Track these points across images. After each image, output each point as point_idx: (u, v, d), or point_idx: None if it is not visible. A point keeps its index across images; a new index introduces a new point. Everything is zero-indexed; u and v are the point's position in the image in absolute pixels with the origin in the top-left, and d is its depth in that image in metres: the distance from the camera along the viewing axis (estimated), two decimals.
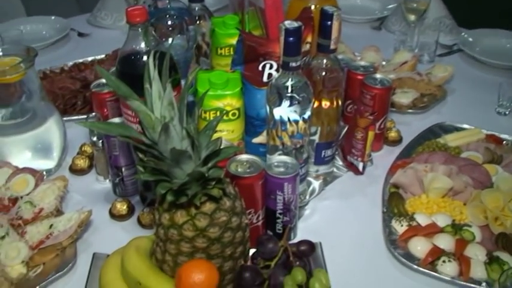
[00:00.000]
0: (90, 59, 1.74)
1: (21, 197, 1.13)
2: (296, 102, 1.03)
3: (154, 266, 0.93)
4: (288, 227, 1.00)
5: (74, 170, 1.29)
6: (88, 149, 1.32)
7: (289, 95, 1.03)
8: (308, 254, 0.95)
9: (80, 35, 2.04)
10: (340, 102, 1.18)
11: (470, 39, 1.91)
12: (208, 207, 0.85)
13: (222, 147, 0.85)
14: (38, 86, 1.25)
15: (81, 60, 1.73)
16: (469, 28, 1.97)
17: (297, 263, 0.92)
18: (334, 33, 1.08)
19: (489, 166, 1.24)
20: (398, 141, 1.40)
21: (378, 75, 1.29)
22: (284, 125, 1.06)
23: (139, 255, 0.93)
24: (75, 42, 2.00)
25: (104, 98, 1.22)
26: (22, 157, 1.24)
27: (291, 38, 0.98)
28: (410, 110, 1.52)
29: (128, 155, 1.15)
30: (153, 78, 0.79)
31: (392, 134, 1.40)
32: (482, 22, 1.98)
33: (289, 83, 1.03)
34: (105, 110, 1.23)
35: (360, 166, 1.27)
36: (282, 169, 1.01)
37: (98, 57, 1.76)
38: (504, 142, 1.36)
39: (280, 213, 1.03)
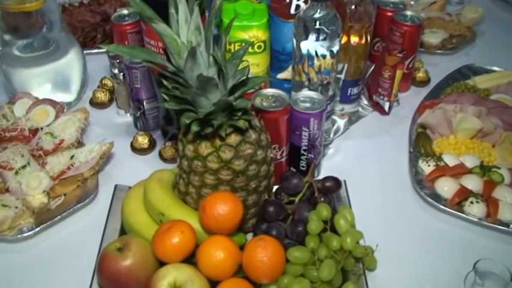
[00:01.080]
0: None
1: (42, 128, 1.11)
2: (324, 35, 0.99)
3: (177, 197, 0.91)
4: (314, 163, 0.98)
5: (95, 103, 1.27)
6: (108, 82, 1.30)
7: (317, 27, 0.99)
8: (333, 191, 0.93)
9: None
10: (369, 38, 1.13)
11: None
12: (234, 139, 0.83)
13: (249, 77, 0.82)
14: (59, 17, 1.22)
15: None
16: None
17: (322, 199, 0.90)
18: None
19: None
20: (426, 82, 1.35)
21: (408, 12, 1.24)
22: (311, 60, 1.02)
23: (162, 187, 0.91)
24: None
25: (124, 29, 1.18)
26: (42, 90, 1.22)
27: None
28: (438, 51, 1.47)
29: (149, 87, 1.12)
30: (179, 1, 0.75)
31: (420, 75, 1.35)
32: None
33: (317, 15, 0.99)
34: (126, 43, 1.19)
35: (386, 106, 1.24)
36: (308, 104, 0.98)
37: None
38: None
39: (304, 150, 1.00)
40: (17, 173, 1.00)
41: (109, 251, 0.82)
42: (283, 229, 0.87)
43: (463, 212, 0.97)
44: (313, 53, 1.01)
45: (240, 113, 0.82)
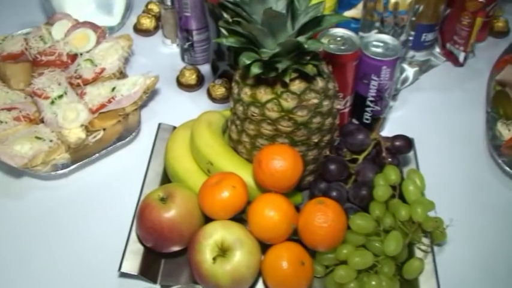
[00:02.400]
0: None
1: (81, 54, 1.02)
2: None
3: (227, 145, 0.82)
4: (382, 118, 0.87)
5: (139, 30, 1.17)
6: (155, 7, 1.19)
7: None
8: (403, 151, 0.82)
9: None
10: None
11: None
12: (298, 86, 0.72)
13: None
14: None
15: None
16: None
17: (389, 160, 0.80)
18: None
19: None
20: (505, 32, 1.21)
21: None
22: None
23: (211, 132, 0.82)
24: None
25: None
26: (82, 11, 1.12)
27: None
28: None
29: (200, 17, 1.01)
30: None
31: (500, 24, 1.21)
32: None
33: None
34: None
35: (461, 56, 1.10)
36: (380, 50, 0.86)
37: None
38: None
39: (371, 101, 0.89)
40: (52, 102, 0.91)
41: (151, 200, 0.74)
42: (344, 191, 0.77)
43: None
44: None
45: (308, 57, 0.71)
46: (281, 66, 0.69)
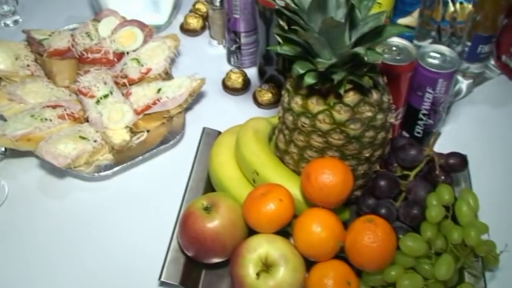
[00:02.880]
0: None
1: (127, 53, 1.00)
2: None
3: (273, 154, 0.80)
4: (437, 133, 0.83)
5: (185, 30, 1.15)
6: (202, 7, 1.17)
7: None
8: (458, 170, 0.78)
9: None
10: None
11: None
12: (352, 97, 0.69)
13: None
14: None
15: None
16: None
17: (443, 178, 0.76)
18: None
19: None
20: None
21: None
22: (445, 6, 0.85)
23: (257, 140, 0.80)
24: None
25: None
26: (129, 8, 1.10)
27: None
28: None
29: (249, 19, 0.99)
30: None
31: None
32: None
33: None
34: None
35: None
36: (437, 61, 0.83)
37: None
38: None
39: (424, 114, 0.86)
40: (98, 102, 0.90)
41: (195, 209, 0.72)
42: (394, 209, 0.74)
43: None
44: None
45: (365, 68, 0.68)
46: (337, 77, 0.66)
